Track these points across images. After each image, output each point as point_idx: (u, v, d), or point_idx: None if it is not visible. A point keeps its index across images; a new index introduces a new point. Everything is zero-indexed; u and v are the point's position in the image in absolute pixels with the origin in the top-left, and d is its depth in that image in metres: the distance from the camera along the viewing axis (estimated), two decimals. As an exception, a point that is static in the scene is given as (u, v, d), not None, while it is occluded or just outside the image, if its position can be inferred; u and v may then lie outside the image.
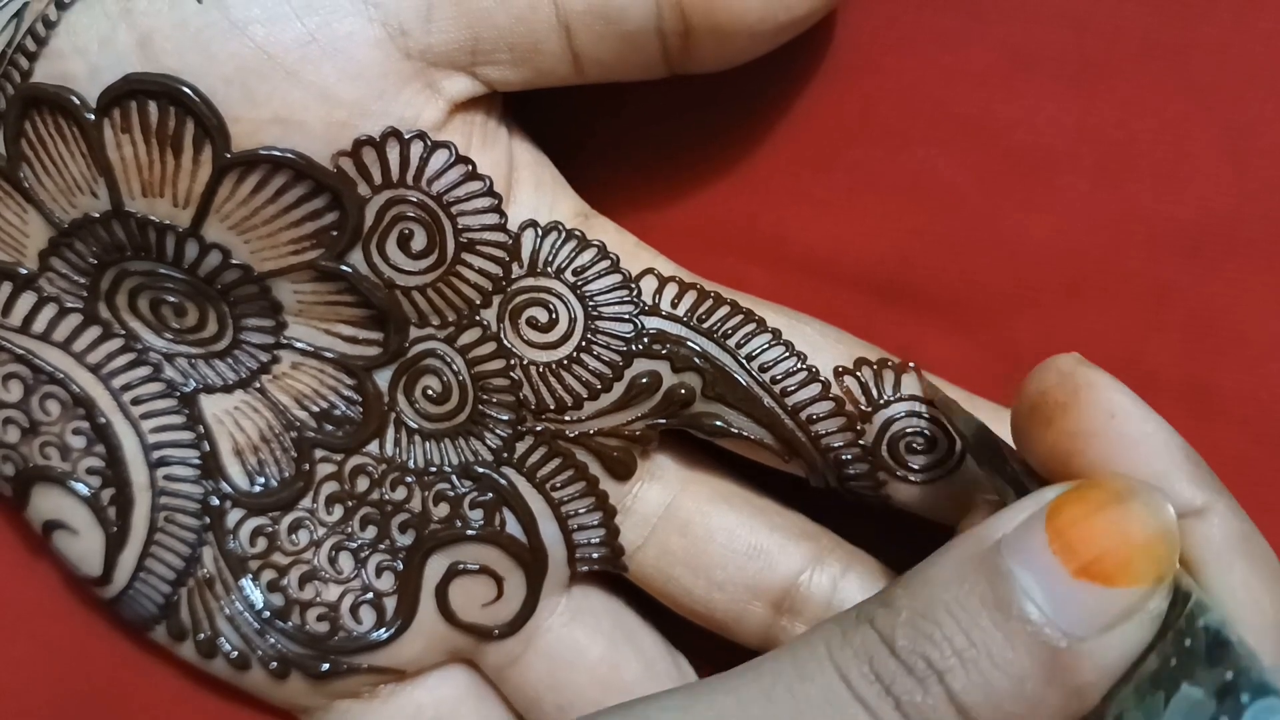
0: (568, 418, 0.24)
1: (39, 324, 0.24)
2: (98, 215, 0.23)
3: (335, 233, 0.22)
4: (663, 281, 0.24)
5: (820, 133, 0.26)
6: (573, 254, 0.23)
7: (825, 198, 0.26)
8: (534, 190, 0.24)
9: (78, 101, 0.21)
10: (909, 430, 0.23)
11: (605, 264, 0.24)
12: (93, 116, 0.21)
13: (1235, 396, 0.25)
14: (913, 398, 0.23)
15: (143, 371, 0.25)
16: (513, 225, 0.23)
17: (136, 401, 0.25)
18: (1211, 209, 0.24)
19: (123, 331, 0.24)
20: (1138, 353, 0.25)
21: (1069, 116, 0.25)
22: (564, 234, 0.23)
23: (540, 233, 0.23)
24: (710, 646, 0.27)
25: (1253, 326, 0.25)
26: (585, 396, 0.24)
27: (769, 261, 0.26)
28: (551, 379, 0.24)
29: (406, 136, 0.22)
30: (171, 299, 0.24)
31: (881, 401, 0.23)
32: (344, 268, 0.23)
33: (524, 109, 0.25)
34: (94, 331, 0.24)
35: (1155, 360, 0.25)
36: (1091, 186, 0.25)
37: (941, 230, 0.25)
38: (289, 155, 0.21)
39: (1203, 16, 0.24)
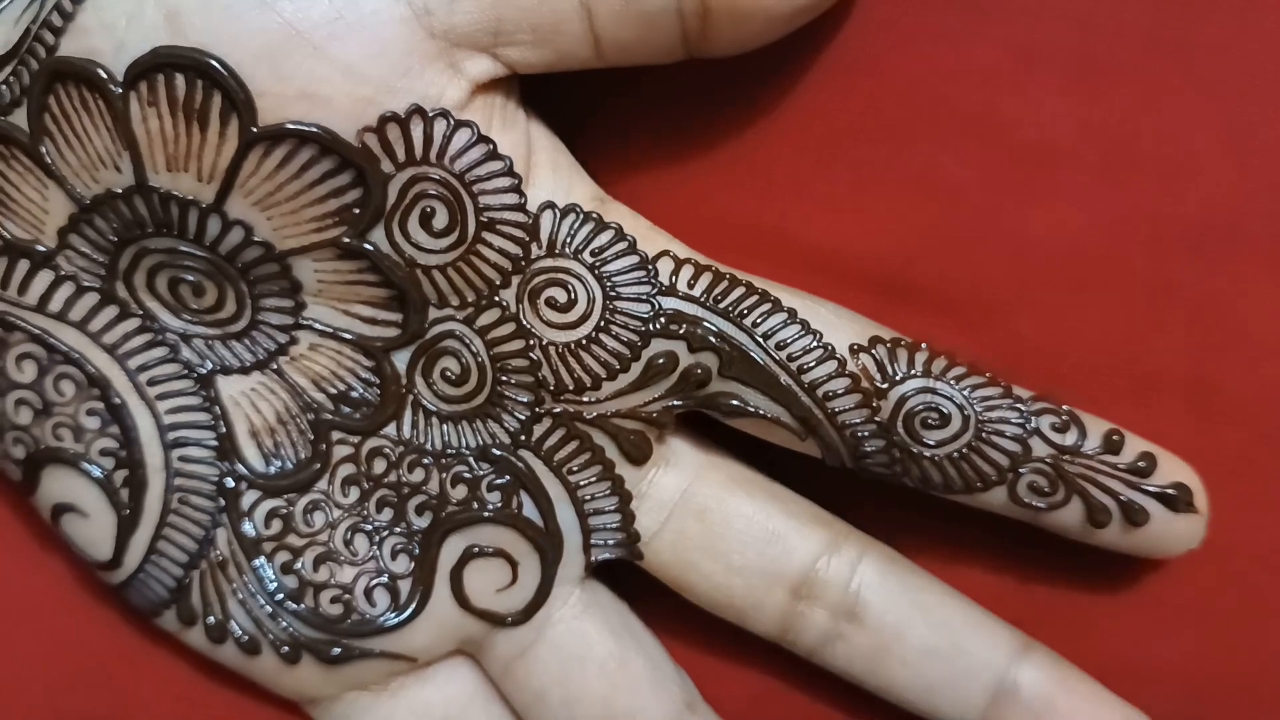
0: (586, 398, 0.24)
1: (55, 303, 0.24)
2: (120, 190, 0.23)
3: (358, 210, 0.23)
4: (679, 263, 0.24)
5: (824, 129, 0.26)
6: (591, 235, 0.24)
7: (829, 194, 0.26)
8: (552, 173, 0.24)
9: (104, 75, 0.21)
10: (924, 406, 0.24)
11: (623, 245, 0.24)
12: (119, 90, 0.21)
13: (1239, 394, 0.25)
14: (926, 374, 0.24)
15: (159, 352, 0.25)
16: (532, 206, 0.23)
17: (153, 382, 0.25)
18: (1215, 206, 0.25)
19: (140, 311, 0.24)
20: (1141, 350, 0.25)
21: (1073, 114, 0.25)
22: (582, 216, 0.24)
23: (559, 214, 0.23)
24: (707, 657, 0.28)
25: (1256, 324, 0.25)
26: (604, 376, 0.24)
27: (772, 258, 0.26)
28: (570, 359, 0.24)
29: (430, 114, 0.22)
30: (190, 278, 0.24)
31: (897, 378, 0.24)
32: (366, 246, 0.23)
33: (529, 101, 0.25)
34: (111, 311, 0.24)
35: (1159, 358, 0.25)
36: (1095, 184, 0.25)
37: (945, 227, 0.26)
38: (314, 130, 0.22)
39: (1206, 14, 0.24)
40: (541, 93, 0.25)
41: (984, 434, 0.24)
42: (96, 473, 0.25)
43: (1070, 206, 0.25)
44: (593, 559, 0.25)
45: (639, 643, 0.26)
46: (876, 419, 0.24)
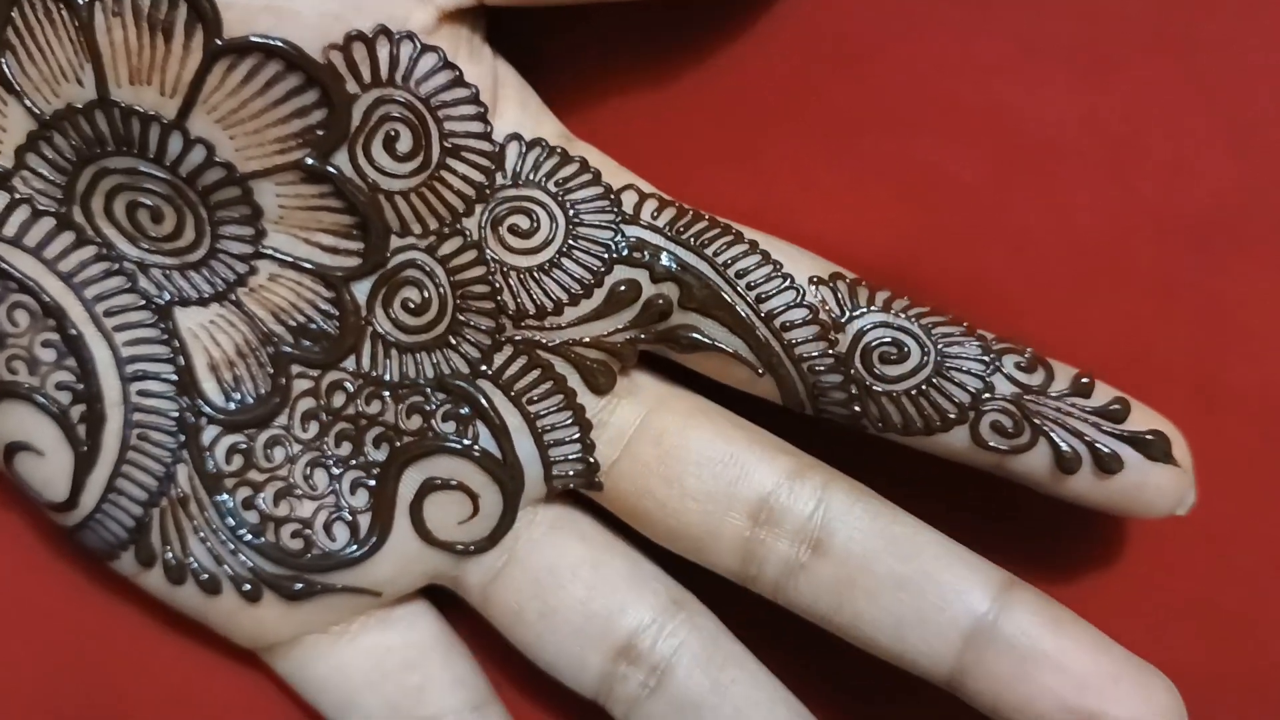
0: (547, 324, 0.24)
1: (9, 227, 0.24)
2: (81, 105, 0.22)
3: (322, 131, 0.23)
4: (643, 196, 0.24)
5: (827, 123, 0.26)
6: (556, 167, 0.24)
7: (832, 188, 0.26)
8: (519, 108, 0.24)
9: None
10: (882, 340, 0.24)
11: (587, 176, 0.24)
12: (84, 0, 0.21)
13: (1243, 390, 0.25)
14: (885, 309, 0.24)
15: (116, 282, 0.24)
16: (497, 137, 0.23)
17: (110, 313, 0.24)
18: (1218, 203, 0.24)
19: (97, 239, 0.24)
20: (1146, 347, 0.25)
21: (1077, 109, 0.25)
22: (547, 149, 0.24)
23: (524, 146, 0.24)
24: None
25: (1261, 320, 0.25)
26: (565, 302, 0.24)
27: None
28: (531, 283, 0.24)
29: (397, 36, 0.22)
30: (148, 202, 0.24)
31: (856, 312, 0.24)
32: (330, 168, 0.23)
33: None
34: (67, 237, 0.24)
35: (1163, 354, 0.25)
36: (1099, 179, 0.25)
37: (948, 222, 0.26)
38: (280, 44, 0.22)
39: (1210, 10, 0.24)
40: (546, 88, 0.25)
41: (944, 369, 0.23)
42: (52, 408, 0.24)
43: (1074, 202, 0.25)
44: (553, 489, 0.25)
45: (614, 546, 0.26)
46: (833, 352, 0.24)
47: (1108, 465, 0.23)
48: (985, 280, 0.26)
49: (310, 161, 0.23)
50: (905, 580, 0.24)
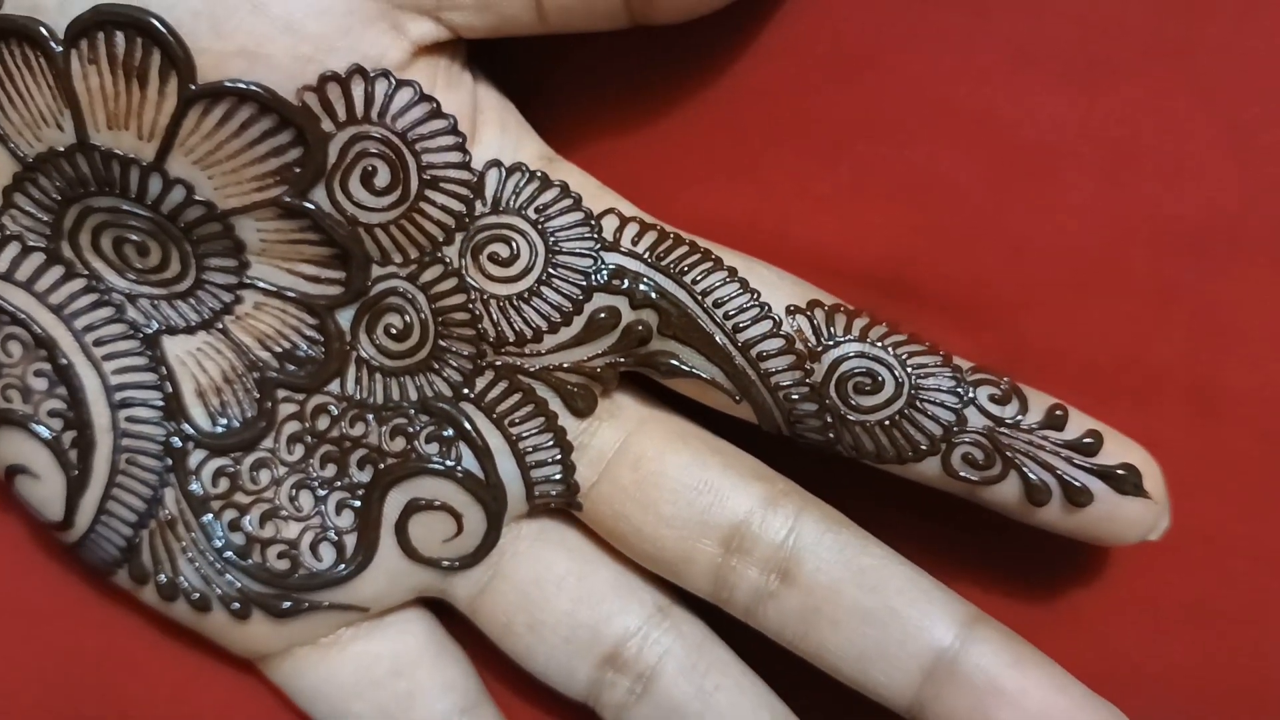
0: (528, 350, 0.25)
1: (1, 263, 0.24)
2: (62, 149, 0.23)
3: (299, 169, 0.23)
4: (624, 221, 0.24)
5: (824, 129, 0.26)
6: (536, 192, 0.24)
7: (829, 194, 0.26)
8: (499, 132, 0.24)
9: (46, 32, 0.22)
10: (857, 371, 0.24)
11: (567, 202, 0.24)
12: (60, 47, 0.22)
13: (1240, 396, 0.25)
14: (862, 339, 0.24)
15: (105, 312, 0.25)
16: (477, 164, 0.24)
17: (99, 343, 0.25)
18: (1216, 208, 0.24)
19: (85, 272, 0.25)
20: (1142, 351, 0.25)
21: (1073, 114, 0.25)
22: (527, 174, 0.24)
23: (504, 172, 0.24)
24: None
25: (1257, 325, 0.25)
26: (545, 329, 0.24)
27: (772, 258, 0.26)
28: (511, 311, 0.24)
29: (371, 74, 0.22)
30: (134, 237, 0.24)
31: (831, 341, 0.24)
32: (307, 205, 0.23)
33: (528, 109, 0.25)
34: (56, 271, 0.24)
35: (1160, 359, 0.25)
36: (1096, 185, 0.25)
37: (945, 228, 0.25)
38: (254, 88, 0.22)
39: (1207, 14, 0.24)
40: (539, 100, 0.25)
41: (917, 401, 0.24)
42: (45, 434, 0.25)
43: (1071, 207, 0.25)
44: (535, 508, 0.26)
45: (599, 556, 0.26)
46: (809, 381, 0.24)
47: (1077, 498, 0.23)
48: (983, 285, 0.26)
49: (288, 199, 0.23)
50: (869, 613, 0.24)
